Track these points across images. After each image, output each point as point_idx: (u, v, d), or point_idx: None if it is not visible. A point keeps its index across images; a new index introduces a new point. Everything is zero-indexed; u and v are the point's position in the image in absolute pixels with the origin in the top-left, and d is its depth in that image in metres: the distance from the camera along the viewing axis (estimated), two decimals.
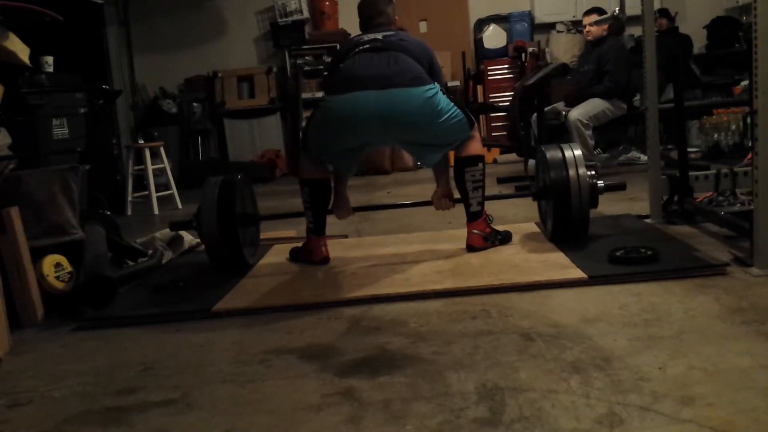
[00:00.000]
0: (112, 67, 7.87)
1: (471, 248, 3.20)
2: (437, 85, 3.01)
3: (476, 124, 3.22)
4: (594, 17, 5.65)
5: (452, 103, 3.05)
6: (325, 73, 3.38)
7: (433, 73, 3.08)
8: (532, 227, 3.59)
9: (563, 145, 3.19)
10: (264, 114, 7.91)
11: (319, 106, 3.09)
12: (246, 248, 3.23)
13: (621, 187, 3.27)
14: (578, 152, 3.15)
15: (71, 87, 5.00)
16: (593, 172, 3.18)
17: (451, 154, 3.23)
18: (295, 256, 3.34)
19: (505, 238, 3.28)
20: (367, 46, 3.06)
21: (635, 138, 6.20)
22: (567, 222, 3.10)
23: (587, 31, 5.78)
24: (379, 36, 3.10)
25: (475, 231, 3.21)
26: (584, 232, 3.17)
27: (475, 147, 3.18)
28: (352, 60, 3.03)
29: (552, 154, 3.15)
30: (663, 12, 6.94)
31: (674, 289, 2.43)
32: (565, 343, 2.01)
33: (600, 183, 3.17)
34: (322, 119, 3.06)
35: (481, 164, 3.18)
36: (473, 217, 3.22)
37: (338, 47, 3.35)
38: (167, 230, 3.77)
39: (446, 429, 1.57)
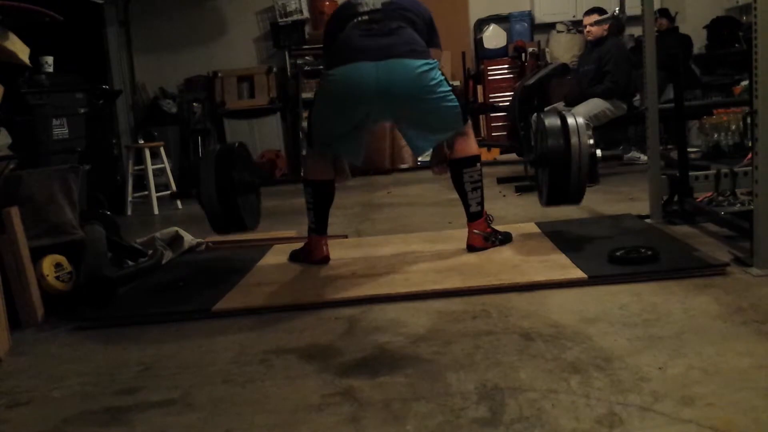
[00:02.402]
0: (112, 67, 7.86)
1: (471, 248, 3.19)
2: (436, 62, 3.02)
3: (470, 122, 3.21)
4: (594, 17, 5.65)
5: (449, 87, 3.05)
6: (323, 43, 3.32)
7: (432, 32, 3.14)
8: (532, 227, 3.59)
9: (564, 112, 3.15)
10: (264, 114, 7.91)
11: (322, 82, 3.09)
12: (246, 215, 3.19)
13: (618, 157, 3.22)
14: (580, 120, 3.10)
15: (71, 87, 5.00)
16: (593, 141, 3.13)
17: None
18: (295, 256, 3.34)
19: (505, 239, 3.28)
20: (366, 17, 3.06)
21: (635, 138, 6.20)
22: (563, 190, 3.05)
23: (588, 31, 5.78)
24: (378, 5, 3.10)
25: (476, 231, 3.21)
26: (579, 199, 3.13)
27: (471, 147, 3.17)
28: (351, 31, 3.04)
29: (551, 120, 3.09)
30: (663, 12, 6.94)
31: (674, 289, 2.43)
32: (565, 343, 2.01)
33: (598, 152, 3.14)
34: (326, 93, 3.06)
35: (478, 164, 3.18)
36: (473, 218, 3.22)
37: (335, 12, 3.29)
38: (167, 230, 3.78)
39: (446, 429, 1.57)
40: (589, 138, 3.05)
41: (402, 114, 3.09)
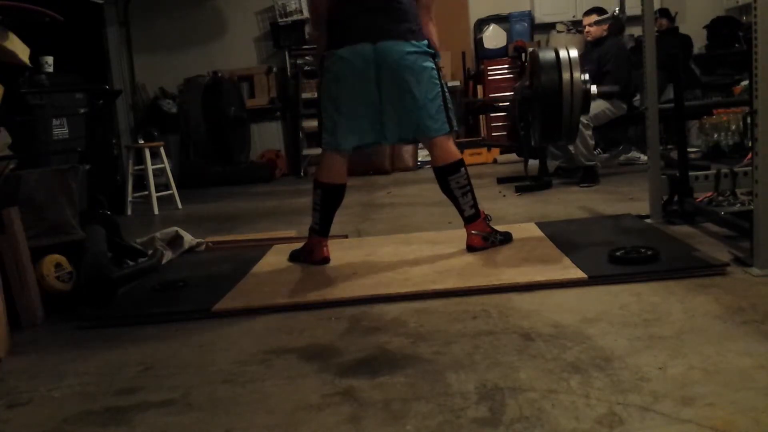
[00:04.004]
0: (112, 67, 7.86)
1: (471, 248, 3.19)
2: (424, 47, 3.07)
3: (454, 132, 3.18)
4: (594, 17, 5.65)
5: (437, 81, 3.08)
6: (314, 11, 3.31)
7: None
8: (532, 227, 3.59)
9: (558, 47, 3.10)
10: (264, 114, 7.90)
11: (327, 63, 3.09)
12: (235, 149, 3.17)
13: (612, 95, 3.18)
14: (573, 53, 3.05)
15: (71, 87, 4.99)
16: (586, 77, 3.09)
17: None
18: (295, 256, 3.33)
19: (505, 239, 3.27)
20: None
21: (635, 138, 6.20)
22: (557, 126, 3.01)
23: (587, 32, 5.78)
24: None
25: (474, 231, 3.20)
26: (573, 138, 3.08)
27: (451, 153, 3.14)
28: (347, 11, 3.05)
29: (545, 54, 3.05)
30: (663, 12, 6.94)
31: (674, 289, 2.43)
32: (565, 343, 2.01)
33: (593, 88, 3.09)
34: (335, 71, 3.06)
35: (462, 169, 3.15)
36: (470, 220, 3.20)
37: None
38: (167, 230, 3.78)
39: (446, 429, 1.57)
40: (583, 73, 3.01)
41: (391, 96, 3.06)
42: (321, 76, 3.18)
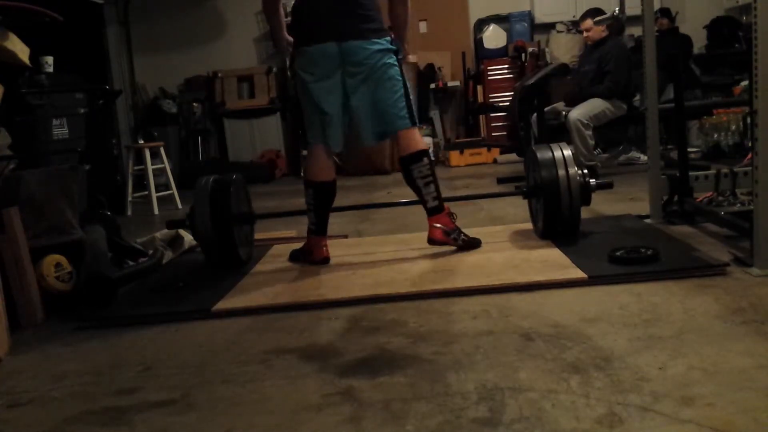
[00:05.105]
0: (112, 67, 7.87)
1: (432, 241, 3.17)
2: (387, 44, 3.10)
3: (416, 126, 3.20)
4: (589, 22, 5.64)
5: (400, 78, 3.12)
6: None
7: None
8: (532, 227, 3.59)
9: (553, 145, 3.21)
10: (264, 114, 7.90)
11: (299, 61, 3.16)
12: (241, 247, 3.24)
13: (609, 185, 3.32)
14: (567, 152, 3.16)
15: (71, 87, 4.99)
16: (584, 171, 3.19)
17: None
18: (295, 256, 3.33)
19: (472, 243, 3.21)
20: None
21: (635, 138, 6.20)
22: (558, 219, 3.11)
23: (585, 36, 5.79)
24: None
25: (437, 225, 3.16)
26: (575, 229, 3.17)
27: (416, 142, 3.15)
28: (313, 8, 3.13)
29: (542, 153, 3.17)
30: (664, 12, 6.93)
31: (674, 289, 2.43)
32: (565, 343, 2.01)
33: (592, 181, 3.21)
34: (306, 68, 3.12)
35: (425, 158, 3.15)
36: (433, 212, 3.17)
37: None
38: (167, 230, 3.77)
39: (446, 429, 1.57)
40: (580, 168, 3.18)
41: (355, 88, 3.11)
42: (294, 73, 3.22)
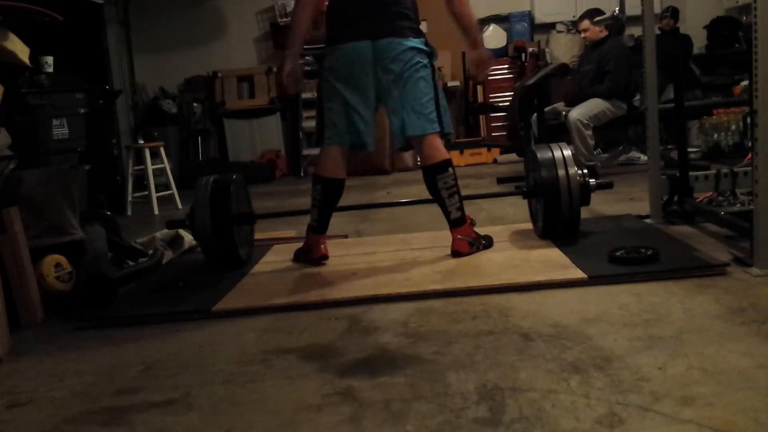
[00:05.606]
0: (112, 67, 7.86)
1: (457, 254, 3.12)
2: (422, 45, 3.09)
3: (445, 134, 3.17)
4: (586, 22, 5.64)
5: (432, 81, 3.10)
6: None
7: None
8: (531, 227, 3.59)
9: (553, 145, 3.21)
10: (264, 114, 7.90)
11: (329, 59, 3.13)
12: (241, 247, 3.24)
13: (609, 185, 3.33)
14: (567, 152, 3.16)
15: (71, 87, 4.99)
16: (584, 171, 3.20)
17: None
18: (297, 256, 3.33)
19: (488, 243, 3.23)
20: None
21: (635, 138, 6.20)
22: (558, 219, 3.12)
23: (584, 37, 5.80)
24: None
25: (461, 236, 3.15)
26: (575, 229, 3.17)
27: (439, 152, 3.11)
28: (347, 7, 3.09)
29: (542, 154, 3.17)
30: (673, 12, 6.91)
31: (674, 289, 2.43)
32: (565, 343, 2.01)
33: (592, 181, 3.21)
34: (335, 66, 3.09)
35: (450, 169, 3.12)
36: (456, 224, 3.15)
37: None
38: (167, 230, 3.77)
39: (446, 429, 1.57)
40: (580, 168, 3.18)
41: (386, 85, 3.08)
42: (322, 70, 3.20)
